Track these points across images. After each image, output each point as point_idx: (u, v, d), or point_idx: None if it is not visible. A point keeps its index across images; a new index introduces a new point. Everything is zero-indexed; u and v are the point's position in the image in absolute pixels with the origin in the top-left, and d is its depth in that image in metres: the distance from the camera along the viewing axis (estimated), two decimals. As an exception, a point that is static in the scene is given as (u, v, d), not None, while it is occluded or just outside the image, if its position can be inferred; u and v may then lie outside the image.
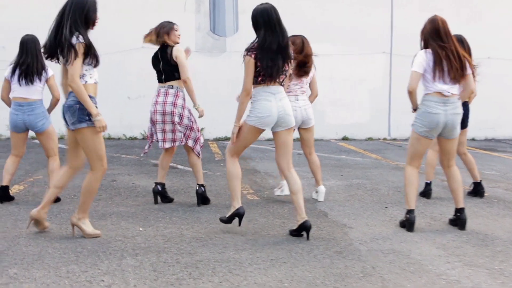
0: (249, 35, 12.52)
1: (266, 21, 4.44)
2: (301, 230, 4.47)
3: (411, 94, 4.78)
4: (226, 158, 4.71)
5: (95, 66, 4.24)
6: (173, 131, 5.40)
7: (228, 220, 4.62)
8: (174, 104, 5.37)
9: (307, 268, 3.79)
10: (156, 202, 5.62)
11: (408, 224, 4.85)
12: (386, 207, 5.76)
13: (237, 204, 4.59)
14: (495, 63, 12.45)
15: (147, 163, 8.32)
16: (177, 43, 5.55)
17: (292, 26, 11.41)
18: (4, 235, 4.44)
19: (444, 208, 5.79)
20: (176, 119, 5.37)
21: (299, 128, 5.80)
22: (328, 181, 7.18)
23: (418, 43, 13.47)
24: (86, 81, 4.20)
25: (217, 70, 11.55)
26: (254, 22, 4.51)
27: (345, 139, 12.19)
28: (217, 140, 11.85)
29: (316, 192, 6.02)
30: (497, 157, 9.99)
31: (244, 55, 4.46)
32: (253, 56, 4.40)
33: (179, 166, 8.02)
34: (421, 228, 4.98)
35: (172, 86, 5.44)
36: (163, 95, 5.41)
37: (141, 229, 4.67)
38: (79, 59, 4.08)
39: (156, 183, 5.64)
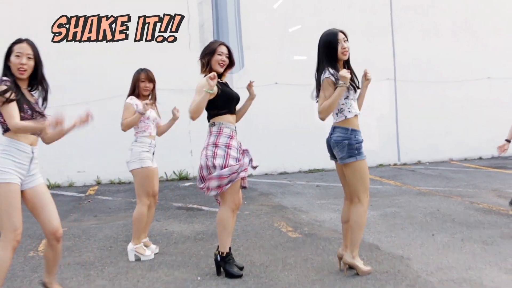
0: (255, 71, 12.62)
1: None
2: None
3: None
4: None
5: (346, 98, 4.33)
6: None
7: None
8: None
9: (389, 306, 3.66)
10: (218, 273, 4.56)
11: None
12: (433, 235, 5.66)
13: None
14: (495, 83, 12.74)
15: (170, 206, 8.15)
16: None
17: (284, 59, 11.60)
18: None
19: (489, 231, 5.71)
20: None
21: None
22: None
23: (420, 69, 13.69)
24: (345, 116, 4.32)
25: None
26: None
27: (356, 167, 12.13)
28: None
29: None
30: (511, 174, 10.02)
31: None
32: None
33: (204, 208, 7.87)
34: (478, 253, 4.90)
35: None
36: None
37: (199, 278, 4.50)
38: (326, 92, 4.25)
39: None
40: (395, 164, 12.40)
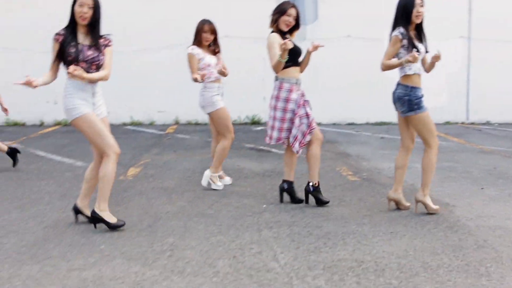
0: (329, 23, 12.92)
1: None
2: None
3: None
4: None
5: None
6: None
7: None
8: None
9: (425, 240, 4.23)
10: (281, 200, 5.38)
11: None
12: (482, 188, 6.08)
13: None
14: None
15: (242, 147, 8.90)
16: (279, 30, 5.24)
17: (358, 13, 11.81)
18: (146, 211, 5.09)
19: (538, 189, 6.05)
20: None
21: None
22: (419, 163, 7.51)
23: (498, 27, 13.53)
24: (405, 72, 4.86)
25: (298, 58, 11.98)
26: None
27: (423, 123, 12.41)
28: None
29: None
30: None
31: None
32: None
33: (273, 150, 8.55)
34: (519, 207, 5.30)
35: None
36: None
37: (264, 206, 5.22)
38: (391, 48, 4.82)
39: (284, 180, 5.39)
40: (463, 123, 12.57)
